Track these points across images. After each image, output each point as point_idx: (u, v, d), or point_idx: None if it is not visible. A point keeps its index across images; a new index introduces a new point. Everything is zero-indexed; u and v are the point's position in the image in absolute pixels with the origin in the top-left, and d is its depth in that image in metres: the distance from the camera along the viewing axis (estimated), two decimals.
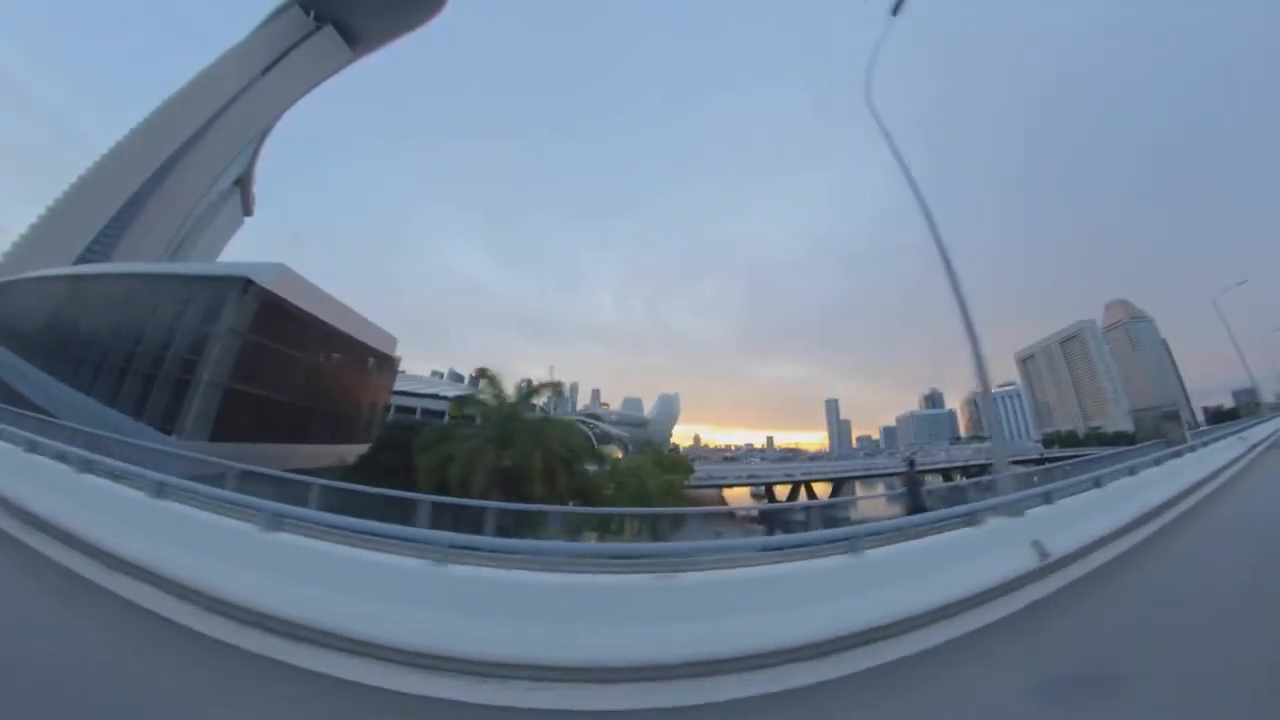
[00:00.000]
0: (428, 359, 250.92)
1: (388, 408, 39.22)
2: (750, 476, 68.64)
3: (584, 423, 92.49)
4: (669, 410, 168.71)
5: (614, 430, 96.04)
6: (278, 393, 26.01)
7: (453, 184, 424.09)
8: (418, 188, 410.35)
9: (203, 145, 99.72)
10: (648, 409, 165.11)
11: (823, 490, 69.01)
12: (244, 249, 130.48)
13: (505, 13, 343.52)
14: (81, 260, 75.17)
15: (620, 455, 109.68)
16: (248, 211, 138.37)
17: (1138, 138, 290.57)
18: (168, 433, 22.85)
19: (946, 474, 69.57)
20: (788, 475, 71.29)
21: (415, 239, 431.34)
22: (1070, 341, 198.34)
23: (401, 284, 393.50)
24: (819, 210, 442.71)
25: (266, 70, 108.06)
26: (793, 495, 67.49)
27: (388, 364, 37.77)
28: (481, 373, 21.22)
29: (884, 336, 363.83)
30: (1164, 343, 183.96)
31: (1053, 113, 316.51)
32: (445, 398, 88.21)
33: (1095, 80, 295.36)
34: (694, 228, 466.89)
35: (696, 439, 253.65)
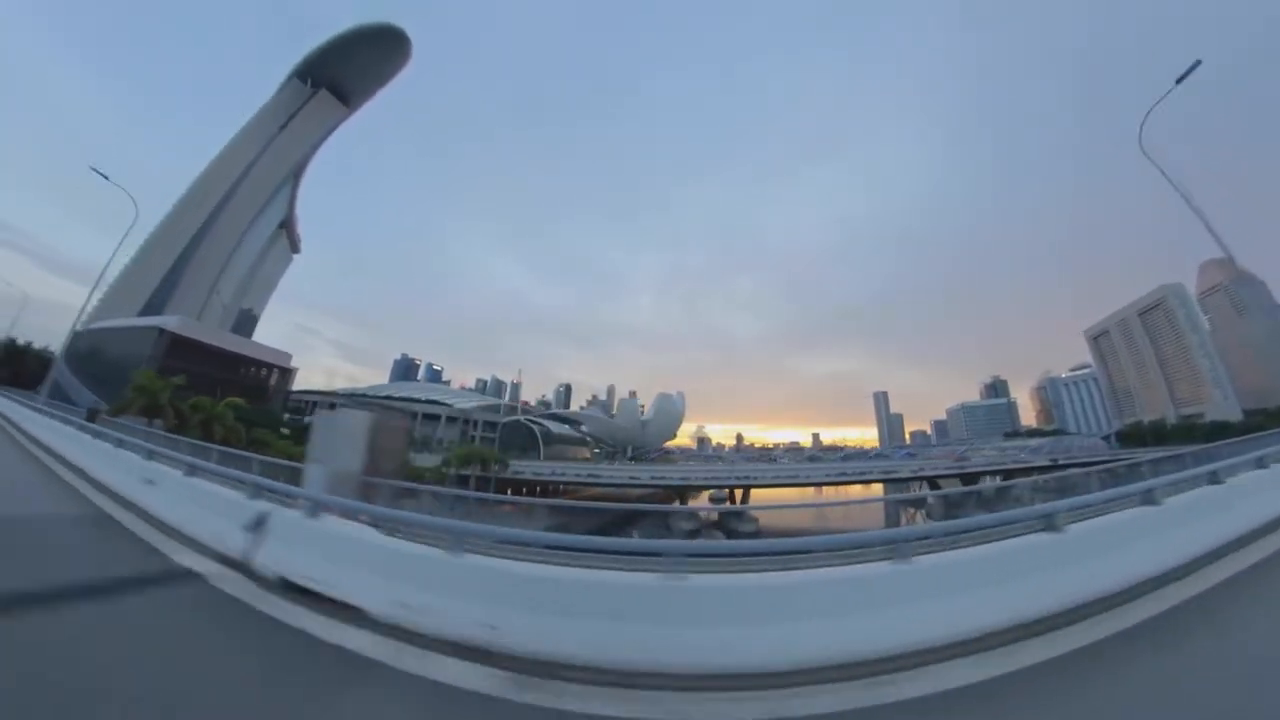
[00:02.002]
0: (474, 369, 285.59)
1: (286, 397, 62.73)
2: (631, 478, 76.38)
3: (534, 423, 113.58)
4: (670, 410, 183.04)
5: (556, 429, 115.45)
6: None
7: (487, 200, 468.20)
8: (456, 208, 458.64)
9: (235, 201, 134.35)
10: (647, 409, 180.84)
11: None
12: (303, 281, 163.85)
13: (527, 21, 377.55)
14: (146, 307, 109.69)
15: (588, 456, 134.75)
16: (295, 250, 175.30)
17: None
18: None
19: (932, 483, 61.67)
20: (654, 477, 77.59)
21: (457, 258, 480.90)
22: (1151, 312, 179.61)
23: (448, 301, 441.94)
24: (860, 196, 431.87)
25: (283, 127, 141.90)
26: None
27: (285, 372, 60.88)
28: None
29: (941, 325, 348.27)
30: None
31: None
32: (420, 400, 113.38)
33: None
34: (730, 224, 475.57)
35: (739, 438, 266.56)
